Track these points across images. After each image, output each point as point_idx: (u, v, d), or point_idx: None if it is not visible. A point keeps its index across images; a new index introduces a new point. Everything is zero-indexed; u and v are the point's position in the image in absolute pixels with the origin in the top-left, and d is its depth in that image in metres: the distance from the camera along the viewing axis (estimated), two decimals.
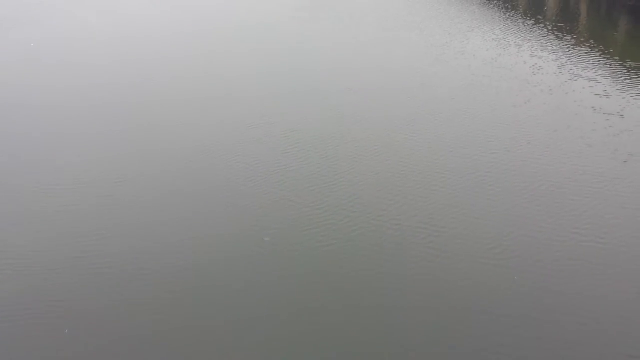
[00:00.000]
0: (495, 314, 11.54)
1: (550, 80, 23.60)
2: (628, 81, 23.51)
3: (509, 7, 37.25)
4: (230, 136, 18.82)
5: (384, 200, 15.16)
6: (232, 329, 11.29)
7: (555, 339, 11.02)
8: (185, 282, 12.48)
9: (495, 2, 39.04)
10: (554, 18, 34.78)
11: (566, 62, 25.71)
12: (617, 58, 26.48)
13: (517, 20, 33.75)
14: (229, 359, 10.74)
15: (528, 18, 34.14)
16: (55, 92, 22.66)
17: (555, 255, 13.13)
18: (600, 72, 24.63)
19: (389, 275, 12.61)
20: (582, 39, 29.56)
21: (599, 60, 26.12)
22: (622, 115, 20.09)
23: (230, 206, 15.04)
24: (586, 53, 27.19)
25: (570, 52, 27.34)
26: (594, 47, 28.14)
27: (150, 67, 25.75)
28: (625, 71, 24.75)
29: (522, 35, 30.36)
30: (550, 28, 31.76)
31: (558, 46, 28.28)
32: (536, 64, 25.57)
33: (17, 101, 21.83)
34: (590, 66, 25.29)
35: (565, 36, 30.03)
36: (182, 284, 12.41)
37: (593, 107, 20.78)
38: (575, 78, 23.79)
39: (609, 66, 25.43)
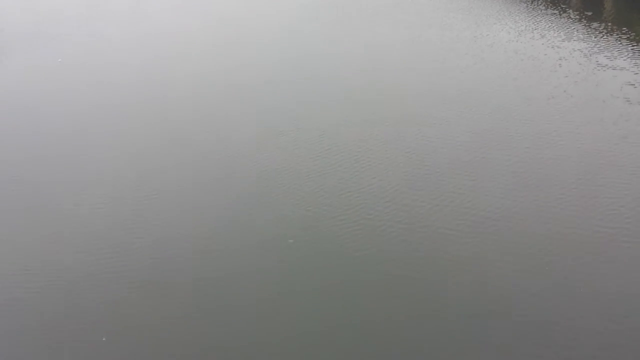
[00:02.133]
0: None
1: (578, 70, 23.09)
2: None
3: None
4: (257, 144, 18.65)
5: (415, 206, 14.91)
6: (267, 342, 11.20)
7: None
8: (215, 295, 12.41)
9: None
10: (579, 5, 34.12)
11: (594, 51, 25.15)
12: None
13: (540, 9, 33.14)
14: None
15: (551, 7, 33.53)
16: (82, 108, 22.74)
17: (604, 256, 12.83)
18: (629, 59, 24.07)
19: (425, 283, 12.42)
20: (609, 26, 28.91)
21: (629, 48, 25.53)
22: None
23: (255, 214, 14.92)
24: (615, 40, 26.59)
25: (598, 40, 26.77)
26: (622, 33, 27.52)
27: (174, 79, 25.72)
28: None
29: (547, 24, 29.78)
30: (575, 16, 31.15)
31: (585, 34, 27.70)
32: (562, 54, 25.05)
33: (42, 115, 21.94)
34: (618, 54, 24.72)
35: (591, 23, 29.41)
36: (211, 298, 12.34)
37: (626, 98, 20.29)
38: (604, 67, 23.26)
39: (637, 52, 24.84)
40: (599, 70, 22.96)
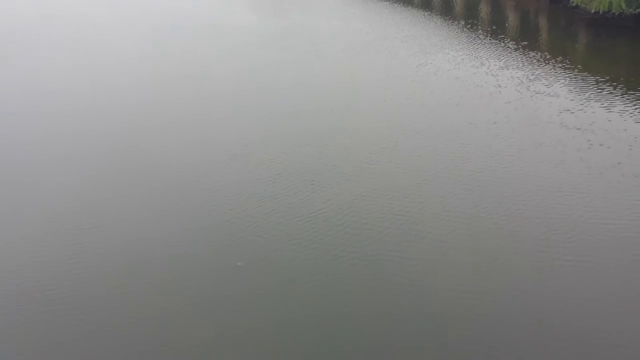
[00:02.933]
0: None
1: (516, 96, 24.04)
2: (593, 94, 24.10)
3: (470, 24, 37.89)
4: (214, 169, 18.71)
5: (370, 226, 15.24)
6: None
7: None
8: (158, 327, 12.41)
9: (456, 20, 39.71)
10: (515, 34, 35.53)
11: (531, 78, 26.25)
12: (580, 70, 27.15)
13: (479, 37, 34.36)
14: None
15: (489, 35, 34.80)
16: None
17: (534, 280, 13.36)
18: (565, 86, 25.22)
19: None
20: (545, 55, 30.21)
21: (563, 74, 26.75)
22: (591, 129, 20.55)
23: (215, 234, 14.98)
24: (551, 68, 27.81)
25: (535, 68, 27.93)
26: (557, 62, 28.81)
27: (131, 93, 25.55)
28: (591, 84, 25.38)
29: (485, 52, 30.89)
30: (512, 44, 32.42)
31: (522, 63, 28.87)
32: (501, 80, 26.05)
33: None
34: (554, 81, 25.88)
35: (528, 52, 30.67)
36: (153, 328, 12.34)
37: (562, 123, 21.24)
38: (541, 93, 24.29)
39: (573, 79, 26.04)
40: (537, 96, 23.97)
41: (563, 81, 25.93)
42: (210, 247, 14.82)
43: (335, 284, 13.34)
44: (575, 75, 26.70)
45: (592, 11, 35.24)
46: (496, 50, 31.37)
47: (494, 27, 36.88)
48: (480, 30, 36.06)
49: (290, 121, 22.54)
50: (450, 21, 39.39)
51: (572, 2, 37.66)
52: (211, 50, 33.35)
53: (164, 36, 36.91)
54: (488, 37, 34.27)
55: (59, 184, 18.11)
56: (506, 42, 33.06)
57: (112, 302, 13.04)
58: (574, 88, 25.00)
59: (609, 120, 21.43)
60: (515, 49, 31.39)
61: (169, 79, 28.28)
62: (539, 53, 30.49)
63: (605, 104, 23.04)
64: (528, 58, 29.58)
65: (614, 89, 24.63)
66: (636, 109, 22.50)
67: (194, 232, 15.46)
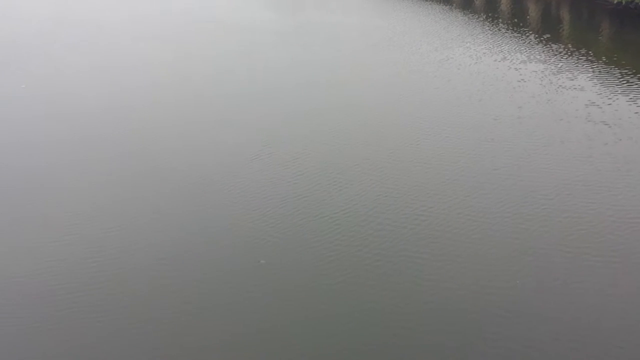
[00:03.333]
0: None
1: (540, 90, 23.69)
2: (619, 87, 23.68)
3: (491, 18, 37.47)
4: (232, 166, 18.62)
5: (396, 226, 15.06)
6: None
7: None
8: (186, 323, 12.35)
9: (477, 14, 39.28)
10: (536, 26, 35.07)
11: (555, 71, 25.86)
12: (604, 63, 26.71)
13: (500, 30, 33.95)
14: None
15: (511, 28, 34.37)
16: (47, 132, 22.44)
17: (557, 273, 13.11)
18: (589, 79, 24.81)
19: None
20: (568, 47, 29.76)
21: (587, 67, 26.33)
22: (619, 123, 20.18)
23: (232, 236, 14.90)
24: (575, 61, 27.39)
25: (558, 61, 27.53)
26: (581, 54, 28.36)
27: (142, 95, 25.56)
28: (616, 76, 24.95)
29: (507, 46, 30.50)
30: (534, 37, 31.98)
31: (545, 56, 28.46)
32: (524, 74, 25.68)
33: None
34: (578, 74, 25.47)
35: (551, 45, 30.23)
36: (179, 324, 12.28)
37: (588, 117, 20.87)
38: (565, 87, 23.92)
39: (597, 72, 25.62)
40: (561, 90, 23.60)
41: (587, 74, 25.52)
42: (231, 247, 14.71)
43: (358, 284, 13.17)
44: (600, 67, 26.27)
45: (615, 1, 34.71)
46: (518, 43, 30.98)
47: (515, 20, 36.45)
48: (502, 24, 35.65)
49: (311, 119, 22.39)
50: (471, 15, 38.99)
51: None
52: (230, 48, 33.25)
53: (182, 36, 36.90)
54: (509, 30, 33.86)
55: (79, 186, 18.10)
56: (528, 35, 32.64)
57: (132, 303, 12.99)
58: (599, 81, 24.59)
59: (636, 113, 21.03)
60: (538, 42, 30.98)
61: (186, 79, 28.23)
62: (562, 45, 30.06)
63: (632, 97, 22.63)
64: (551, 51, 29.17)
65: None
66: None
67: (216, 232, 15.37)
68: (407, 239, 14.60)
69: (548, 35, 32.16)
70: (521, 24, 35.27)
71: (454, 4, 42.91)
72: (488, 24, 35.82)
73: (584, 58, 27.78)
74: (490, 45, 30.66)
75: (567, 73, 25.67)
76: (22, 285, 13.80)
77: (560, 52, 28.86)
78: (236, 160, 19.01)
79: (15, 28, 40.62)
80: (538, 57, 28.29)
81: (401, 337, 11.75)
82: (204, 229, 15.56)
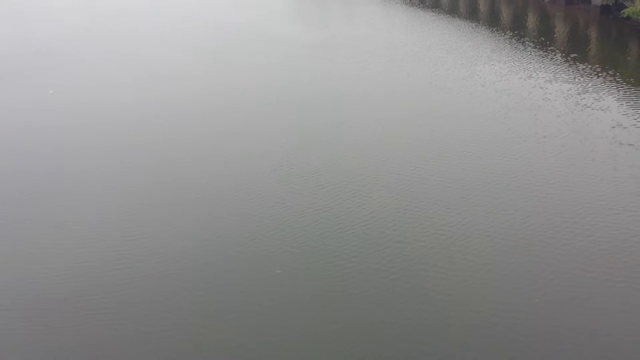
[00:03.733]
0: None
1: (566, 110, 23.46)
2: None
3: (517, 35, 37.26)
4: (253, 177, 18.65)
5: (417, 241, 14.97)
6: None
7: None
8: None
9: (503, 31, 39.09)
10: (563, 45, 34.81)
11: (581, 91, 25.62)
12: (632, 84, 26.42)
13: (527, 48, 33.73)
14: None
15: (537, 47, 34.14)
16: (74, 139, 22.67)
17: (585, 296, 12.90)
18: (616, 100, 24.53)
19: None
20: (594, 66, 29.50)
21: (614, 87, 26.04)
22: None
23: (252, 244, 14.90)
24: (600, 80, 27.12)
25: (585, 81, 27.27)
26: (608, 74, 28.07)
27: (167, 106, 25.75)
28: None
29: (533, 64, 30.30)
30: (561, 56, 31.74)
31: (571, 75, 28.21)
32: (550, 93, 25.47)
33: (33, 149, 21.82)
34: (605, 94, 25.20)
35: (578, 64, 29.98)
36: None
37: (614, 138, 20.63)
38: (591, 107, 23.66)
39: (625, 93, 25.33)
40: (587, 110, 23.36)
41: (614, 95, 25.24)
42: (249, 257, 14.74)
43: (375, 297, 13.10)
44: (627, 88, 25.98)
45: None
46: (544, 62, 30.75)
47: (542, 39, 36.19)
48: (528, 41, 35.42)
49: (333, 132, 22.37)
50: (497, 32, 38.81)
51: (623, 13, 36.77)
52: (255, 61, 33.42)
53: (211, 47, 37.18)
54: (536, 49, 33.63)
55: (102, 193, 18.26)
56: (555, 53, 32.39)
57: (149, 309, 13.05)
58: (626, 102, 24.31)
59: None
60: (564, 61, 30.73)
61: (211, 90, 28.41)
62: (589, 65, 29.79)
63: None
64: (577, 70, 28.92)
65: None
66: None
67: (234, 241, 15.40)
68: (426, 254, 14.52)
69: (575, 55, 31.89)
70: (548, 42, 35.02)
71: (481, 21, 42.76)
72: (514, 41, 35.62)
73: (611, 78, 27.48)
74: (516, 63, 30.47)
75: (593, 93, 25.41)
76: (41, 286, 13.95)
77: (587, 72, 28.60)
78: (258, 171, 19.05)
79: (48, 34, 41.23)
80: (564, 76, 28.05)
81: (416, 351, 11.64)
82: (223, 237, 15.61)
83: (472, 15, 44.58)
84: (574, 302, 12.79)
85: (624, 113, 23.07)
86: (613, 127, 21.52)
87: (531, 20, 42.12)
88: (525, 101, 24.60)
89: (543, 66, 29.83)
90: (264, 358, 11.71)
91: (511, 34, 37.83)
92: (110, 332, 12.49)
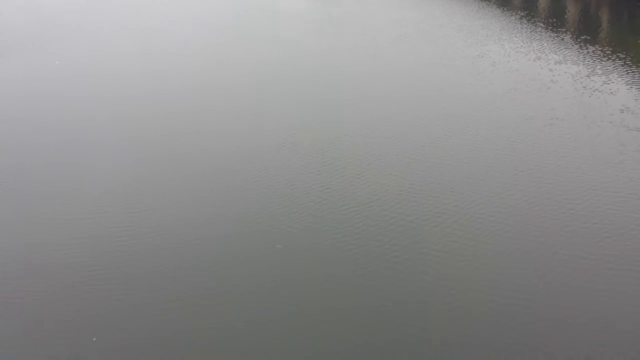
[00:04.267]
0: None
1: (574, 92, 23.30)
2: None
3: (528, 16, 36.89)
4: (260, 153, 18.66)
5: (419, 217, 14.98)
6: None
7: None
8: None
9: (514, 11, 38.70)
10: (574, 27, 34.46)
11: (590, 74, 25.41)
12: None
13: (537, 29, 33.43)
14: None
15: (548, 28, 33.82)
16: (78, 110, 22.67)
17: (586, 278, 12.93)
18: (625, 83, 24.33)
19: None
20: (604, 48, 29.22)
21: (624, 71, 25.81)
22: None
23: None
24: (610, 63, 26.88)
25: (594, 62, 27.04)
26: (618, 57, 27.81)
27: (171, 80, 25.69)
28: None
29: (543, 45, 30.04)
30: (571, 37, 31.44)
31: (581, 57, 27.97)
32: (559, 75, 25.28)
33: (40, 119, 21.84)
34: (615, 77, 24.98)
35: (587, 46, 29.70)
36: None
37: (622, 122, 20.49)
38: (600, 90, 23.48)
39: (635, 76, 25.11)
40: (595, 93, 23.17)
41: (624, 78, 25.02)
42: (252, 232, 14.78)
43: (375, 277, 13.12)
44: (638, 72, 25.73)
45: None
46: (554, 43, 30.48)
47: (553, 20, 35.85)
48: (539, 22, 35.10)
49: (340, 109, 22.30)
50: (508, 12, 38.46)
51: None
52: (264, 35, 33.23)
53: (215, 21, 36.99)
54: (547, 30, 33.32)
55: (107, 165, 18.30)
56: (565, 35, 32.10)
57: (154, 281, 13.15)
58: (636, 86, 24.11)
59: None
60: (574, 43, 30.45)
61: (218, 64, 28.33)
62: (599, 47, 29.51)
63: None
64: (587, 52, 28.66)
65: None
66: None
67: (239, 216, 15.44)
68: (429, 235, 14.51)
69: (586, 37, 31.59)
70: (558, 24, 34.69)
71: (492, 0, 42.34)
72: (525, 22, 35.30)
73: (622, 62, 27.23)
74: (526, 44, 30.22)
75: (602, 76, 25.19)
76: (44, 255, 14.07)
77: (598, 54, 28.34)
78: (264, 148, 19.04)
79: (56, 5, 41.06)
80: (574, 58, 27.81)
81: (415, 332, 11.70)
82: (226, 212, 15.64)
83: None
84: (576, 286, 12.80)
85: (634, 97, 22.87)
86: (621, 111, 21.36)
87: (542, 1, 41.68)
88: (534, 82, 24.42)
89: (553, 47, 29.57)
90: (262, 333, 11.77)
91: (522, 14, 37.47)
92: (111, 304, 12.57)
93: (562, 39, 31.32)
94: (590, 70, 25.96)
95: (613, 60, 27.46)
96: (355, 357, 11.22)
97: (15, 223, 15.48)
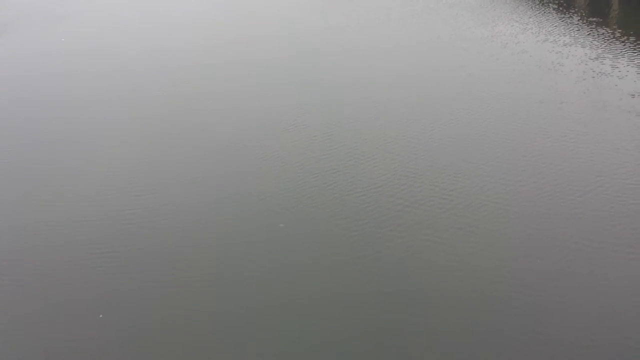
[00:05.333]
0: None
1: (583, 75, 23.13)
2: None
3: None
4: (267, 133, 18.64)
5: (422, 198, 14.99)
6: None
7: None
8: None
9: None
10: (584, 8, 34.12)
11: (600, 56, 25.21)
12: None
13: (548, 11, 33.12)
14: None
15: (559, 9, 33.51)
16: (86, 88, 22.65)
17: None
18: (636, 66, 24.14)
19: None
20: (615, 31, 28.95)
21: (635, 53, 25.59)
22: None
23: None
24: (620, 45, 26.65)
25: (604, 44, 26.81)
26: (629, 40, 27.55)
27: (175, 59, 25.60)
28: None
29: (553, 27, 29.78)
30: (580, 19, 31.15)
31: (591, 38, 27.73)
32: (568, 58, 25.09)
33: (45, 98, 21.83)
34: (627, 61, 24.77)
35: (597, 28, 29.43)
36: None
37: (632, 106, 20.36)
38: (608, 74, 23.30)
39: None
40: (604, 77, 22.98)
41: (635, 61, 24.79)
42: (256, 213, 14.86)
43: (380, 262, 13.15)
44: None
45: None
46: (564, 25, 30.19)
47: (562, 1, 35.48)
48: (549, 3, 34.74)
49: (347, 90, 22.25)
50: None
51: None
52: (271, 11, 33.02)
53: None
54: (558, 12, 32.99)
55: (113, 143, 18.35)
56: (575, 17, 31.77)
57: (159, 261, 13.26)
58: None
59: None
60: (584, 24, 30.16)
61: (224, 40, 28.24)
62: (609, 29, 29.22)
63: None
64: (598, 34, 28.38)
65: None
66: None
67: (243, 197, 15.50)
68: (434, 218, 14.51)
69: (595, 19, 31.27)
70: (566, 4, 34.34)
71: None
72: (537, 2, 34.95)
73: (632, 44, 26.95)
74: (536, 25, 29.96)
75: (613, 59, 24.96)
76: (46, 235, 14.22)
77: (608, 36, 28.04)
78: (272, 127, 19.04)
79: None
80: (583, 40, 27.57)
81: (418, 317, 11.75)
82: (231, 193, 15.72)
83: None
84: (583, 273, 12.80)
85: None
86: (633, 96, 21.20)
87: None
88: (543, 65, 24.26)
89: (562, 29, 29.31)
90: (261, 313, 11.86)
91: None
92: (114, 284, 12.70)
93: (571, 20, 31.02)
94: (602, 52, 25.72)
95: (623, 42, 27.19)
96: (359, 342, 11.27)
97: (16, 202, 15.54)
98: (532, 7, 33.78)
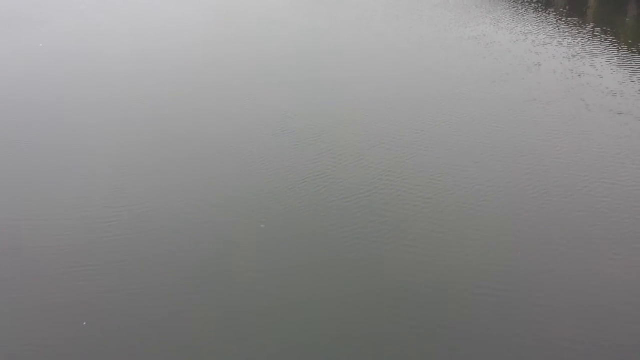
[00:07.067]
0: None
1: (562, 75, 23.45)
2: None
3: None
4: (255, 136, 18.71)
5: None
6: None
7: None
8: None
9: None
10: (562, 6, 34.57)
11: (577, 54, 25.59)
12: (629, 46, 26.39)
13: (525, 9, 33.51)
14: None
15: (537, 8, 33.91)
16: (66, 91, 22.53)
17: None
18: (612, 65, 24.52)
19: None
20: (593, 28, 29.38)
21: (611, 51, 26.01)
22: (635, 115, 19.99)
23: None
24: (597, 42, 27.07)
25: (582, 42, 27.22)
26: (606, 38, 27.99)
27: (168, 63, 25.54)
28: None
29: (531, 25, 30.16)
30: (558, 17, 31.57)
31: (569, 36, 28.13)
32: (545, 56, 25.42)
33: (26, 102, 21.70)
34: (603, 59, 25.15)
35: (574, 26, 29.86)
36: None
37: (601, 105, 20.65)
38: (587, 74, 23.62)
39: (622, 57, 25.31)
40: (583, 76, 23.32)
41: (614, 59, 25.18)
42: (239, 215, 14.94)
43: (374, 264, 13.28)
44: (625, 52, 25.92)
45: None
46: (541, 23, 30.61)
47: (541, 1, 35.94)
48: (530, 3, 35.16)
49: (331, 91, 22.36)
50: None
51: None
52: (257, 11, 33.02)
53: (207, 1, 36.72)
54: (537, 12, 33.40)
55: (96, 147, 18.33)
56: (552, 14, 32.20)
57: (143, 266, 13.30)
58: (621, 67, 24.27)
59: None
60: (562, 22, 30.58)
61: (209, 42, 28.25)
62: (588, 28, 29.65)
63: None
64: (577, 32, 28.82)
65: None
66: None
67: (229, 200, 15.60)
68: (418, 219, 14.66)
69: (574, 19, 31.73)
70: (546, 2, 34.78)
71: None
72: (518, 2, 35.34)
73: (608, 41, 27.39)
74: (515, 24, 30.33)
75: (591, 57, 25.35)
76: (33, 237, 14.23)
77: (585, 34, 28.50)
78: (260, 130, 19.09)
79: None
80: (561, 38, 27.97)
81: (411, 315, 11.88)
82: (218, 196, 15.77)
83: None
84: (565, 272, 13.00)
85: (619, 81, 23.01)
86: (614, 95, 21.53)
87: None
88: (521, 64, 24.57)
89: (539, 28, 29.72)
90: (252, 314, 11.93)
91: None
92: (96, 288, 12.71)
93: (549, 19, 31.44)
94: (579, 50, 26.09)
95: (600, 39, 27.62)
96: (349, 344, 11.36)
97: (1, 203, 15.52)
98: (513, 7, 34.15)
